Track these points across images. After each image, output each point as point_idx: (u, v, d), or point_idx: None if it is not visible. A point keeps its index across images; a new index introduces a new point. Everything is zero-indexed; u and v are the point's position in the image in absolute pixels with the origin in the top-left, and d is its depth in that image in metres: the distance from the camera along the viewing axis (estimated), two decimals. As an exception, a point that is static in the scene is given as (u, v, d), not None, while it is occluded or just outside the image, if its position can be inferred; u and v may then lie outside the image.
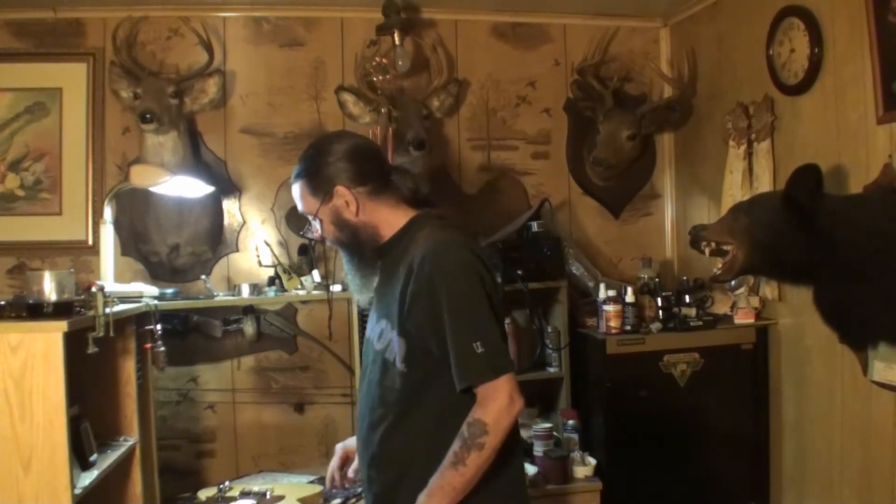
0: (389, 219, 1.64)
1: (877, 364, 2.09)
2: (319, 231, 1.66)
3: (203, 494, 2.46)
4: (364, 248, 1.64)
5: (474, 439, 1.46)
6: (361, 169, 1.62)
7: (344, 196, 1.60)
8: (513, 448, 1.59)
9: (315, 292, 2.77)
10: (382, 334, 1.60)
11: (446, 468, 1.47)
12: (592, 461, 2.62)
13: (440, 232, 1.58)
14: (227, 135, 2.99)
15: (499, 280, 1.69)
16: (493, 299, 1.51)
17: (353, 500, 2.44)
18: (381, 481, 1.61)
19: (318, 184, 1.62)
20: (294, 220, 2.99)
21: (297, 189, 1.66)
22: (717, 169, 2.83)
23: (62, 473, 1.66)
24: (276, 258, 2.91)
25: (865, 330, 1.94)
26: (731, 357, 2.67)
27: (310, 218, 1.67)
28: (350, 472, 1.83)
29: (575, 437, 2.69)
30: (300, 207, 1.68)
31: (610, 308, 2.66)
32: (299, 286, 2.78)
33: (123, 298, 2.19)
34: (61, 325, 1.65)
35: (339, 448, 1.87)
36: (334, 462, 1.86)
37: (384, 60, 2.96)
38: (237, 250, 3.00)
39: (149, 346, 2.33)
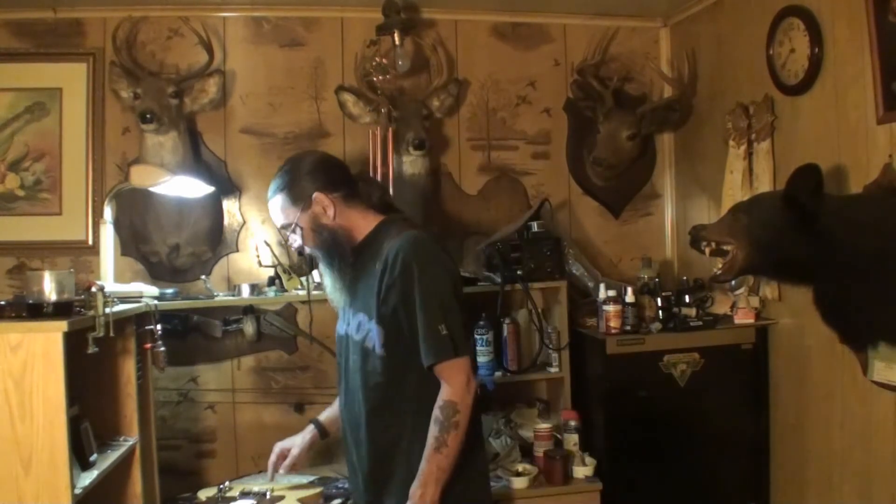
0: (360, 222, 1.82)
1: (877, 364, 2.10)
2: (300, 241, 1.82)
3: (203, 494, 2.46)
4: (341, 250, 1.80)
5: (449, 420, 1.64)
6: (332, 177, 1.82)
7: (322, 202, 1.78)
8: (474, 443, 1.75)
9: (315, 292, 2.77)
10: (360, 326, 1.77)
11: (431, 453, 1.64)
12: (592, 461, 2.62)
13: (410, 230, 1.77)
14: (227, 135, 2.99)
15: (461, 275, 1.99)
16: (457, 289, 1.73)
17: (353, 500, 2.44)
18: (369, 462, 1.78)
19: (298, 194, 1.79)
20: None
21: (276, 203, 1.82)
22: (717, 169, 2.83)
23: (62, 473, 1.66)
24: (276, 258, 2.90)
25: (865, 330, 1.94)
26: (731, 357, 2.66)
27: (287, 231, 1.83)
28: (282, 468, 2.08)
29: (575, 437, 2.69)
30: (281, 220, 1.83)
31: (610, 308, 2.66)
32: (299, 286, 2.77)
33: (123, 298, 2.19)
34: (61, 325, 1.65)
35: (278, 447, 2.12)
36: (272, 458, 2.10)
37: (384, 60, 2.96)
38: (237, 250, 3.00)
39: (149, 346, 2.33)
